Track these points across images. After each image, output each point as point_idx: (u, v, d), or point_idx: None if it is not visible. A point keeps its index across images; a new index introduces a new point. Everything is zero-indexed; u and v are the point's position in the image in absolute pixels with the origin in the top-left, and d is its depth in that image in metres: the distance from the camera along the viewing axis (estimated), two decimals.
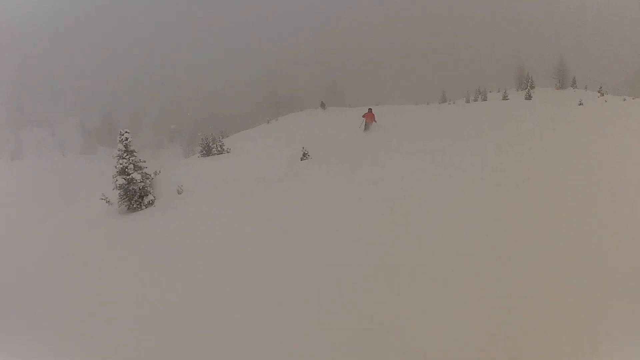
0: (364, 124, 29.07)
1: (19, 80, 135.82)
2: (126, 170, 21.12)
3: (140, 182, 21.26)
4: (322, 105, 52.75)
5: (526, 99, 45.94)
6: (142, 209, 21.19)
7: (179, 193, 21.45)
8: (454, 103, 60.57)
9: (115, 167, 21.42)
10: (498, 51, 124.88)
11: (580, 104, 34.69)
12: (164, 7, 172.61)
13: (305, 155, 22.63)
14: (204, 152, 32.84)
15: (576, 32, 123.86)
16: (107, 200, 22.14)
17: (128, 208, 21.42)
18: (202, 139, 33.16)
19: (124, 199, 21.33)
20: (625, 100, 38.93)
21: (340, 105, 66.70)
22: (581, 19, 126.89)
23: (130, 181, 21.04)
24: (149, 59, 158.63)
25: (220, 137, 33.54)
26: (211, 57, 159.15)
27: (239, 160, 27.12)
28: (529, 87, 50.89)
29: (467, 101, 61.09)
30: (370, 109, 29.66)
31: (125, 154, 21.30)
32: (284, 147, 28.57)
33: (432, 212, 12.28)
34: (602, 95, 44.62)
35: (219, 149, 32.73)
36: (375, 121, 28.81)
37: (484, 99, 59.23)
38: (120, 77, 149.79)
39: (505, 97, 51.12)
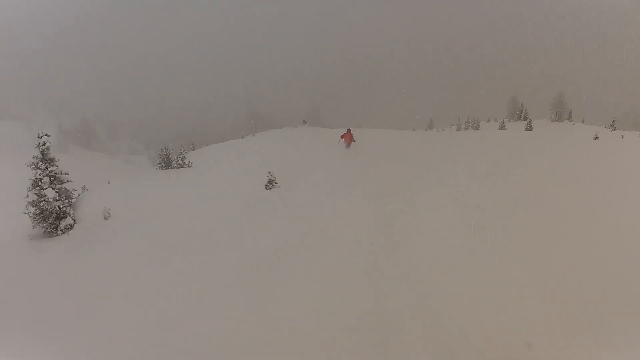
0: (341, 143, 27.62)
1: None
2: (40, 183, 16.41)
3: (56, 200, 16.49)
4: (304, 122, 51.37)
5: (527, 130, 42.03)
6: (58, 235, 16.50)
7: (105, 218, 16.85)
8: (442, 130, 56.94)
9: (30, 178, 16.71)
10: (488, 78, 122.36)
11: (596, 138, 30.79)
12: (156, 21, 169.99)
13: (271, 183, 18.08)
14: (163, 164, 28.42)
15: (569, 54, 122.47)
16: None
17: (45, 231, 16.71)
18: (161, 149, 28.69)
19: (38, 219, 16.58)
20: None
21: (321, 126, 62.85)
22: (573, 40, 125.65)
23: (44, 198, 16.28)
24: (135, 68, 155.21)
25: (183, 149, 28.92)
26: (198, 70, 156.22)
27: (195, 178, 22.81)
28: (529, 118, 46.80)
29: (458, 129, 57.30)
30: (348, 129, 27.84)
31: (42, 163, 16.55)
32: (253, 163, 24.85)
33: (431, 226, 11.71)
34: (615, 129, 40.77)
35: (180, 162, 28.36)
36: (354, 141, 27.04)
37: (476, 128, 55.45)
38: (103, 80, 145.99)
39: (502, 127, 47.21)
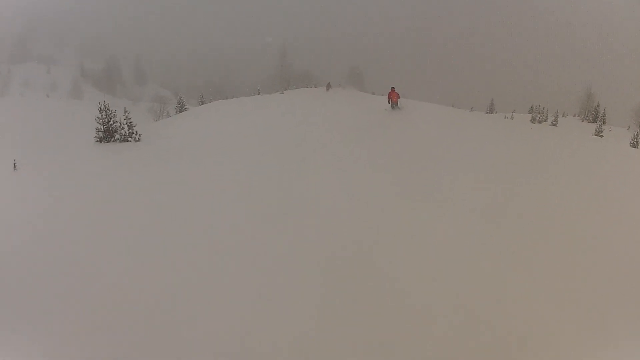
0: (390, 104, 26.01)
1: (25, 15, 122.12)
2: None
3: None
4: (328, 86, 42.12)
5: (632, 146, 29.05)
6: None
7: None
8: (511, 118, 45.26)
9: None
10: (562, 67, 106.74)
11: None
12: None
13: None
14: (102, 135, 18.12)
15: None
16: None
17: None
18: (100, 109, 18.23)
19: None
20: None
21: (362, 90, 53.12)
22: None
23: None
24: (167, 9, 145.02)
25: (127, 115, 18.45)
26: (227, 18, 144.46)
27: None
28: (638, 132, 33.70)
29: (533, 120, 45.12)
30: (393, 88, 26.09)
31: None
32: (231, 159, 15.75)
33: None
34: None
35: (126, 133, 17.98)
36: (400, 98, 26.14)
37: (554, 124, 43.39)
38: (134, 20, 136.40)
39: (598, 133, 34.61)
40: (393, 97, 25.53)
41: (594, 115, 55.64)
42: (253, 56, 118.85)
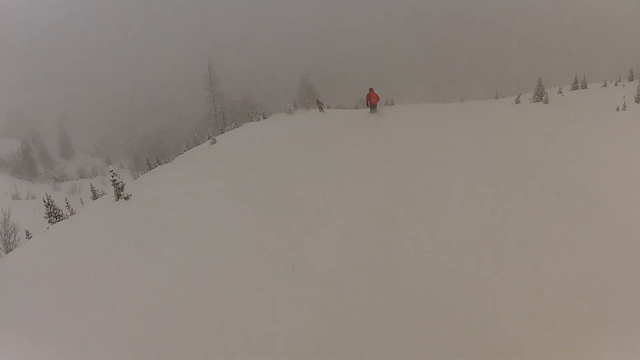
0: (369, 108, 23.73)
1: None
2: None
3: None
4: (318, 104, 33.40)
5: None
6: None
7: None
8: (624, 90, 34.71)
9: None
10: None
11: None
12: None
13: None
14: None
15: None
16: None
17: None
18: None
19: None
20: None
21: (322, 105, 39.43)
22: None
23: None
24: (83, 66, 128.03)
25: None
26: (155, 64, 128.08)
27: None
28: None
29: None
30: (371, 89, 23.59)
31: None
32: None
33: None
34: None
35: None
36: (379, 100, 23.67)
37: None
38: (52, 85, 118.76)
39: None
40: (372, 99, 23.41)
41: None
42: (188, 95, 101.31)
